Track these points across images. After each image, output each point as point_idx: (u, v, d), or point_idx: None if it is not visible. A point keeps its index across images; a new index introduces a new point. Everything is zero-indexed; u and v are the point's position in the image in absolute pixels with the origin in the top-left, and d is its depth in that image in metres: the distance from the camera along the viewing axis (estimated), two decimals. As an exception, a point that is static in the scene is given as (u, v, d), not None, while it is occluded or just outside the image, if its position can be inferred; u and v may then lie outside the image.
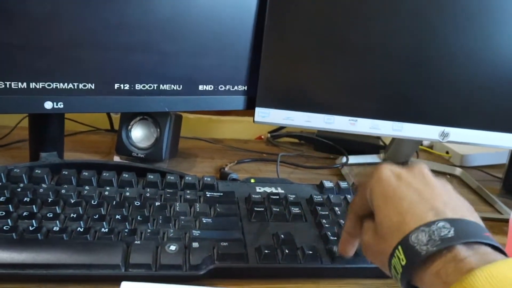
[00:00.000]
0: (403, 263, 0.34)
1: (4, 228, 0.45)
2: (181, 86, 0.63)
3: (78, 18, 0.55)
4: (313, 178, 0.78)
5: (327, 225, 0.53)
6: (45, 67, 0.55)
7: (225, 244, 0.47)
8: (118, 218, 0.49)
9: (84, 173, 0.57)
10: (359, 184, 0.43)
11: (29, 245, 0.44)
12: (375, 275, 0.49)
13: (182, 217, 0.51)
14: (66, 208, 0.50)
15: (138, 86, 0.61)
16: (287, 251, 0.47)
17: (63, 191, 0.53)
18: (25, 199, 0.50)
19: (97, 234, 0.47)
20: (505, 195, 0.79)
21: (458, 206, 0.36)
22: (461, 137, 0.70)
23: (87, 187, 0.55)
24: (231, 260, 0.46)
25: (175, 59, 0.61)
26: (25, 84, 0.55)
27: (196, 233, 0.49)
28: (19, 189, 0.52)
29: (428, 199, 0.36)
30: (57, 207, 0.50)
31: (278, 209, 0.55)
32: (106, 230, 0.47)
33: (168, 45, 0.60)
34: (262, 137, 0.98)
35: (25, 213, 0.48)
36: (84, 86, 0.58)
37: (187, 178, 0.59)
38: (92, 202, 0.52)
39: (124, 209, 0.51)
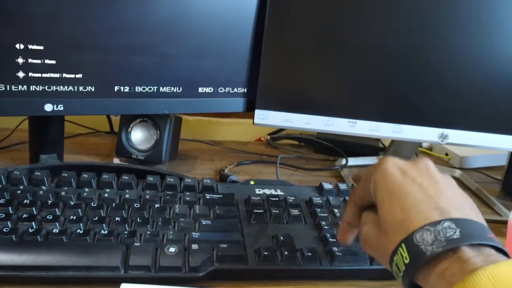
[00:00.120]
0: (407, 261, 0.33)
1: (4, 230, 0.45)
2: (181, 88, 0.63)
3: (78, 20, 0.55)
4: (313, 180, 0.77)
5: (326, 227, 0.53)
6: (46, 69, 0.55)
7: (224, 246, 0.47)
8: (117, 220, 0.49)
9: (84, 175, 0.57)
10: (362, 175, 0.42)
11: (29, 247, 0.44)
12: (374, 277, 0.49)
13: (181, 219, 0.51)
14: (65, 210, 0.51)
15: (138, 89, 0.61)
16: (286, 253, 0.47)
17: (63, 193, 0.53)
18: (25, 201, 0.50)
19: (97, 236, 0.47)
20: (504, 197, 0.79)
21: (462, 204, 0.36)
22: (461, 139, 0.70)
23: (86, 189, 0.55)
24: (230, 262, 0.46)
25: (175, 61, 0.62)
26: (25, 86, 0.55)
27: (195, 235, 0.49)
28: (19, 191, 0.52)
29: (432, 196, 0.36)
30: (57, 209, 0.50)
31: (277, 211, 0.55)
32: (106, 232, 0.47)
33: (168, 48, 0.60)
34: (262, 139, 0.98)
35: (25, 215, 0.48)
36: (84, 88, 0.58)
37: (186, 180, 0.59)
38: (92, 204, 0.52)
39: (123, 211, 0.51)
